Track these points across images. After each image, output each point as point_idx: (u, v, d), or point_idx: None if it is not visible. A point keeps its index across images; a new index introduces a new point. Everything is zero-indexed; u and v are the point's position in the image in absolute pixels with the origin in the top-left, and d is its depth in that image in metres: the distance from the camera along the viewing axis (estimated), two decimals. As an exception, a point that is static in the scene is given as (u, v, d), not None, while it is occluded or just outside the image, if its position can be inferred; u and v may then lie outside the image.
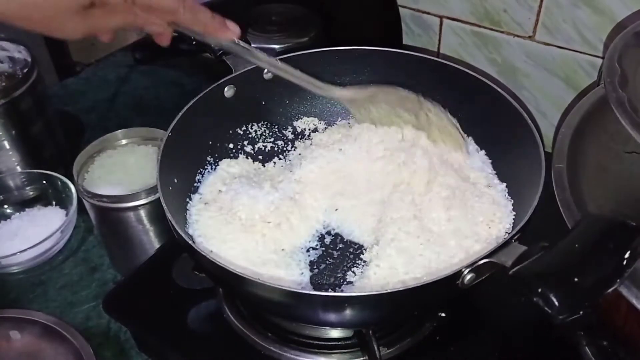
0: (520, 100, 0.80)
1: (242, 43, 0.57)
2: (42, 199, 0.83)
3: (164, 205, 0.50)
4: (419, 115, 0.62)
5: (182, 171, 0.60)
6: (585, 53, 0.75)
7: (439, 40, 0.86)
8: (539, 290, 0.37)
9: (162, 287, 0.62)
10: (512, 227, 0.55)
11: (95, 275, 0.76)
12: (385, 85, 0.63)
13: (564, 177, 0.49)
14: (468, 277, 0.44)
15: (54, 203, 0.82)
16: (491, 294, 0.60)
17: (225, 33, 0.55)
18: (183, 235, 0.48)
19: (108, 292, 0.65)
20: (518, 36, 0.79)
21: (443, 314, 0.58)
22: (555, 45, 0.77)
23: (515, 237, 0.46)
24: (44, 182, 0.82)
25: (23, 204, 0.82)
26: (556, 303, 0.36)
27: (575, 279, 0.37)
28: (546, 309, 0.36)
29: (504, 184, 0.60)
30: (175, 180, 0.58)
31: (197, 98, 0.60)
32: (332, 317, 0.46)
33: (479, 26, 0.81)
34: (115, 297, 0.64)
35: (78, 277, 0.76)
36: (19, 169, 0.84)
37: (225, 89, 0.64)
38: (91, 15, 0.46)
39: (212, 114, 0.63)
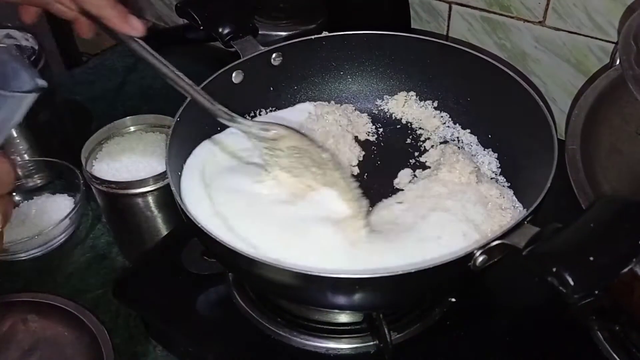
0: (532, 82, 0.80)
1: (142, 43, 0.51)
2: (50, 187, 0.83)
3: (173, 189, 0.50)
4: (325, 171, 0.55)
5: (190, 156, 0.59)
6: (596, 38, 0.74)
7: (448, 26, 0.85)
8: (554, 269, 0.36)
9: (171, 272, 0.62)
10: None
11: (104, 263, 0.76)
12: (291, 129, 0.55)
13: (578, 158, 0.49)
14: (480, 259, 0.44)
15: (62, 191, 0.82)
16: (501, 279, 0.60)
17: (123, 26, 0.49)
18: (192, 218, 0.47)
19: (117, 277, 0.65)
20: (528, 21, 0.78)
21: (453, 299, 0.58)
22: (565, 30, 0.76)
23: (528, 218, 0.45)
24: (52, 170, 0.82)
25: (31, 192, 0.82)
26: (571, 282, 0.35)
27: (591, 258, 0.36)
28: (561, 288, 0.36)
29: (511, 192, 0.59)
30: (184, 166, 0.57)
31: (205, 83, 0.60)
32: (343, 299, 0.46)
33: (489, 11, 0.80)
34: (124, 283, 0.64)
35: (86, 265, 0.76)
36: (26, 157, 0.84)
37: (234, 74, 0.63)
38: None
39: (220, 99, 0.62)
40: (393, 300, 0.50)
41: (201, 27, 0.63)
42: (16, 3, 0.48)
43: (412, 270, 0.42)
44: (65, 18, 0.51)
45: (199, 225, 0.47)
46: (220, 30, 0.63)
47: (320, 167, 0.55)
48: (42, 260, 0.76)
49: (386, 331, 0.52)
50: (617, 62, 0.60)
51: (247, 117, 0.67)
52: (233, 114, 0.53)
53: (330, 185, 0.55)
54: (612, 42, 0.73)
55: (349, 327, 0.56)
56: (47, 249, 0.77)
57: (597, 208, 0.41)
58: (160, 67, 0.52)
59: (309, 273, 0.43)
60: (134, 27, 0.50)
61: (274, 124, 0.55)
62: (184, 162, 0.58)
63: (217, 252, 0.49)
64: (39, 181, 0.83)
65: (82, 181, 0.78)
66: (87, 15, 0.50)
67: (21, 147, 0.84)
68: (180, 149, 0.57)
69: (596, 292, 0.37)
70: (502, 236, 0.43)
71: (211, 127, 0.63)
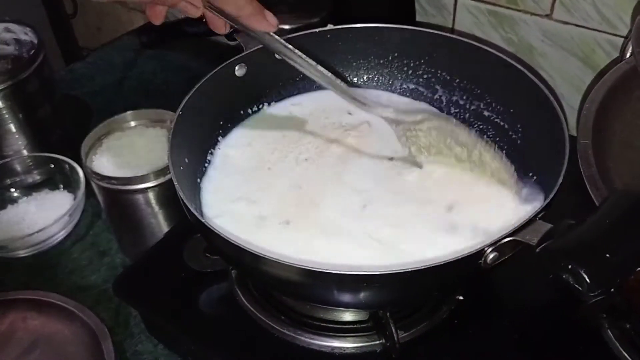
0: (541, 77, 0.79)
1: (277, 37, 0.52)
2: (49, 183, 0.82)
3: (176, 184, 0.49)
4: (472, 152, 0.55)
5: (193, 151, 0.58)
6: (604, 32, 0.73)
7: (453, 19, 0.84)
8: (569, 266, 0.35)
9: (173, 270, 0.61)
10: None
11: (104, 260, 0.75)
12: (437, 114, 0.58)
13: (590, 153, 0.48)
14: (491, 256, 0.43)
15: (61, 187, 0.81)
16: (509, 277, 0.59)
17: (260, 23, 0.50)
18: (196, 214, 0.46)
19: (119, 274, 0.64)
20: (535, 15, 0.77)
21: (461, 297, 0.57)
22: (573, 24, 0.75)
23: (540, 215, 0.44)
24: (52, 165, 0.81)
25: (30, 188, 0.81)
26: (587, 280, 0.34)
27: (607, 255, 0.35)
28: (577, 286, 0.35)
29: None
30: (187, 160, 0.56)
31: (208, 76, 0.59)
32: (349, 296, 0.45)
33: (495, 5, 0.79)
34: (125, 279, 0.63)
35: (87, 262, 0.75)
36: (25, 152, 0.83)
37: (236, 67, 0.62)
38: None
39: (223, 93, 0.62)
40: (400, 297, 0.49)
41: (204, 20, 0.62)
42: (143, 3, 0.48)
43: (421, 267, 0.41)
44: (189, 15, 0.51)
45: (202, 221, 0.46)
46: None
47: (465, 147, 0.55)
48: (42, 258, 0.75)
49: (393, 330, 0.51)
50: (628, 55, 0.59)
51: (250, 111, 0.66)
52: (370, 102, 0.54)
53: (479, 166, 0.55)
54: (621, 36, 0.72)
55: (355, 326, 0.55)
56: (47, 246, 0.76)
57: (611, 203, 0.40)
58: (296, 59, 0.54)
59: (315, 269, 0.42)
60: (271, 24, 0.51)
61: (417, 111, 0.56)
62: (187, 156, 0.57)
63: (220, 248, 0.48)
64: (38, 177, 0.82)
65: (81, 177, 0.77)
66: (217, 13, 0.51)
67: (20, 142, 0.83)
68: (182, 143, 0.55)
69: (612, 289, 0.36)
70: (513, 233, 0.42)
71: (214, 121, 0.62)
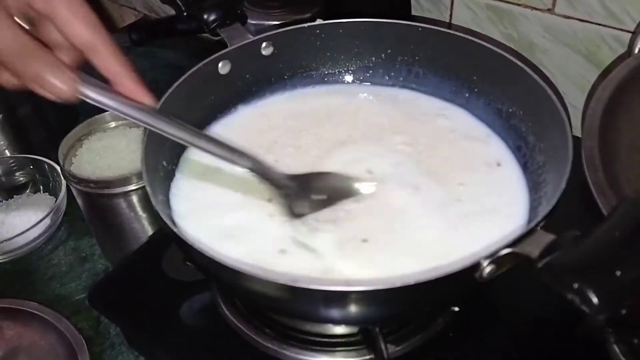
0: (543, 74, 0.75)
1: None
2: (31, 185, 0.79)
3: (148, 189, 0.45)
4: None
5: (172, 154, 0.55)
6: (609, 26, 0.70)
7: (450, 14, 0.80)
8: (575, 285, 0.31)
9: (152, 279, 0.58)
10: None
11: (86, 266, 0.72)
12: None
13: (596, 156, 0.44)
14: (488, 269, 0.39)
15: (42, 189, 0.78)
16: (508, 287, 0.55)
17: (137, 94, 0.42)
18: (168, 222, 0.43)
19: (94, 284, 0.61)
20: (536, 9, 0.73)
21: (456, 309, 0.54)
22: (576, 19, 0.72)
23: (541, 224, 0.40)
24: (33, 167, 0.78)
25: (11, 191, 0.79)
26: (595, 301, 0.31)
27: (617, 273, 0.32)
28: (583, 307, 0.31)
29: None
30: (165, 164, 0.53)
31: (188, 74, 0.55)
32: (335, 313, 0.42)
33: (494, -2, 0.76)
34: (102, 290, 0.59)
35: (67, 268, 0.72)
36: (7, 153, 0.80)
37: (220, 64, 0.58)
38: None
39: (206, 91, 0.58)
40: (389, 313, 0.45)
41: (184, 14, 0.58)
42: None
43: (412, 283, 0.38)
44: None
45: (175, 231, 0.42)
46: (205, 16, 0.58)
47: None
48: (21, 264, 0.73)
49: (382, 345, 0.47)
50: (636, 50, 0.56)
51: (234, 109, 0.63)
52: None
53: None
54: (628, 31, 0.68)
55: (343, 340, 0.52)
56: (26, 250, 0.73)
57: (621, 213, 0.36)
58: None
59: (297, 285, 0.38)
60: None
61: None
62: (165, 159, 0.53)
63: (196, 261, 0.44)
64: (22, 179, 0.80)
65: (63, 179, 0.74)
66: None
67: (1, 142, 0.80)
68: (160, 145, 0.52)
69: (622, 311, 0.32)
70: (512, 244, 0.38)
71: (195, 121, 0.59)
